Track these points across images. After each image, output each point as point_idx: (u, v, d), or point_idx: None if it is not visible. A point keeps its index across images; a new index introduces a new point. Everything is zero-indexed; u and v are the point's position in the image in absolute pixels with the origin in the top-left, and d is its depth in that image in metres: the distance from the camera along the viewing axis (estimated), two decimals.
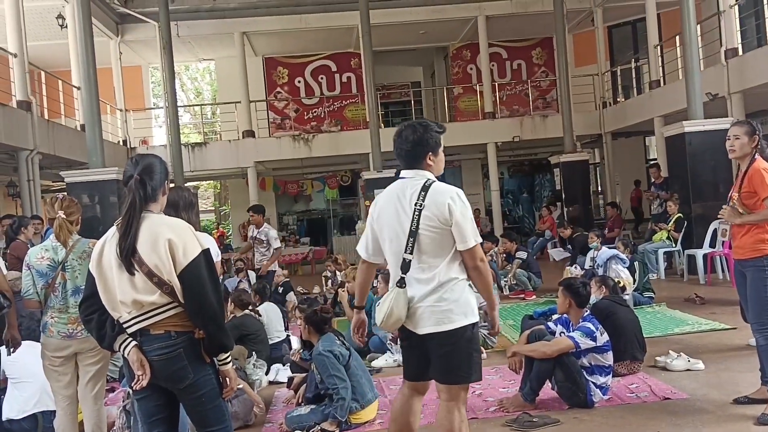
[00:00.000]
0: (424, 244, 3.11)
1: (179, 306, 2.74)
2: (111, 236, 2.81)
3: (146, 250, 2.71)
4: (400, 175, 3.28)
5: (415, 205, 3.11)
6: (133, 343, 2.75)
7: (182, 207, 3.66)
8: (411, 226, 3.10)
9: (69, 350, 3.85)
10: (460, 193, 3.16)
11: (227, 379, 2.87)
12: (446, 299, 3.10)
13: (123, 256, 2.71)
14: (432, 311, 3.11)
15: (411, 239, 3.10)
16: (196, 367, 2.77)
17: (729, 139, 4.40)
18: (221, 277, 10.90)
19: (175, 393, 2.85)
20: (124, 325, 2.77)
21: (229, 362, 2.87)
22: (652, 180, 12.92)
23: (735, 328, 6.53)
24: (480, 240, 3.15)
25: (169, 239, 2.71)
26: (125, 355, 2.77)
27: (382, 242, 3.29)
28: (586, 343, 4.67)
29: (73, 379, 3.91)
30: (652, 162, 15.24)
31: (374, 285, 6.82)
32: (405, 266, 3.14)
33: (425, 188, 3.13)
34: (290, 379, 5.71)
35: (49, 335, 3.82)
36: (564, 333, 4.88)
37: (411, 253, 3.12)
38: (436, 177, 3.26)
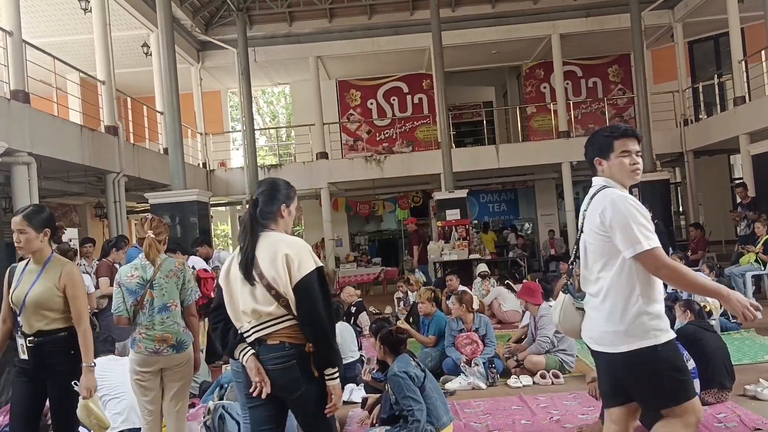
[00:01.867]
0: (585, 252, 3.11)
1: (294, 318, 2.91)
2: (238, 252, 3.04)
3: (266, 264, 2.91)
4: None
5: (584, 211, 3.07)
6: (252, 351, 2.94)
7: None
8: (579, 232, 3.15)
9: (156, 366, 3.98)
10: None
11: (332, 395, 2.95)
12: None
13: (243, 269, 2.94)
14: None
15: (575, 246, 3.19)
16: (308, 379, 2.92)
17: None
18: None
19: (287, 403, 3.01)
20: (245, 335, 2.98)
21: (336, 378, 2.96)
22: (738, 200, 12.37)
23: None
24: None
25: (287, 254, 2.91)
26: (244, 363, 2.95)
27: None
28: None
29: (158, 395, 4.04)
30: (737, 181, 14.59)
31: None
32: (569, 273, 3.21)
33: (592, 196, 3.07)
34: (364, 400, 5.71)
35: (137, 351, 3.97)
36: None
37: (575, 260, 3.16)
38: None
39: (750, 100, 14.08)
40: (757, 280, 10.60)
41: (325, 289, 2.94)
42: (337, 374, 2.97)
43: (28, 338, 3.60)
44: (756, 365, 6.28)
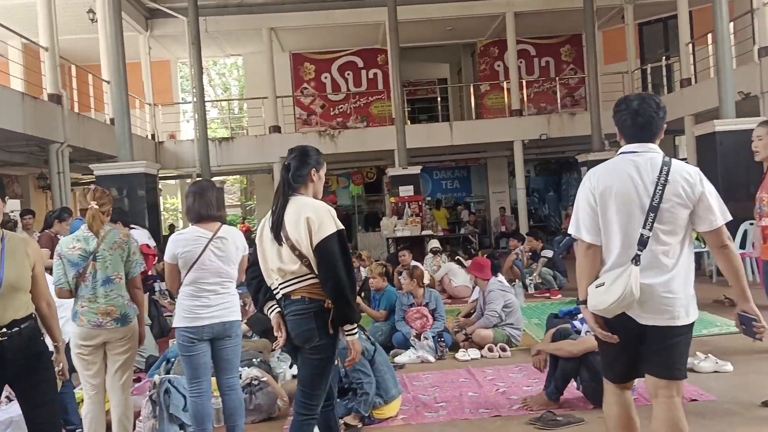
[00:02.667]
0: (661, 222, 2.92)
1: (316, 277, 3.14)
2: (270, 214, 3.30)
3: (291, 226, 3.16)
4: (627, 150, 3.05)
5: (657, 182, 2.91)
6: (278, 309, 3.25)
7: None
8: (653, 201, 2.90)
9: (98, 339, 3.89)
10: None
11: (351, 349, 3.19)
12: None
13: (273, 230, 3.21)
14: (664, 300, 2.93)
15: (650, 214, 2.90)
16: (323, 334, 3.13)
17: (753, 141, 4.34)
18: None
19: (299, 355, 3.25)
20: (274, 291, 3.27)
21: (355, 333, 3.18)
22: None
23: None
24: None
25: (308, 217, 3.12)
26: (270, 317, 3.29)
27: (606, 216, 2.98)
28: None
29: (101, 369, 3.96)
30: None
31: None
32: (642, 242, 2.90)
33: (666, 163, 2.95)
34: None
35: (80, 324, 3.87)
36: (590, 332, 4.83)
37: (650, 230, 2.90)
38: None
39: (696, 82, 14.45)
40: (698, 257, 10.96)
41: (344, 251, 3.13)
42: (355, 330, 3.19)
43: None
44: (694, 339, 6.49)
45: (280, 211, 3.21)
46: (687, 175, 2.92)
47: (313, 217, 3.11)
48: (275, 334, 3.26)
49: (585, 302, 3.03)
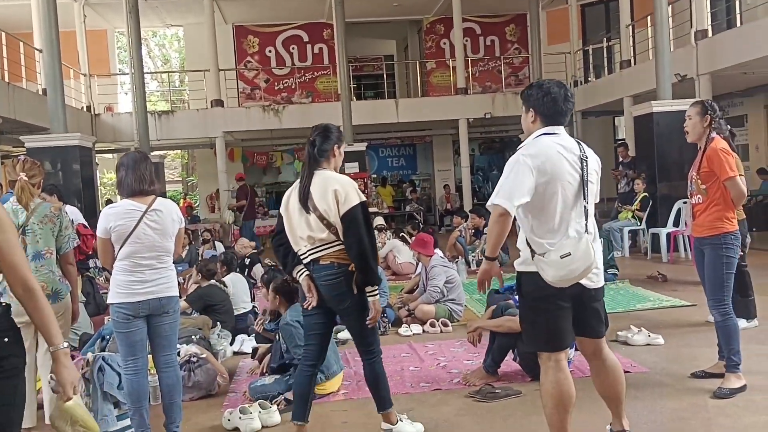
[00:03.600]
0: (591, 194, 3.20)
1: (342, 244, 3.50)
2: (295, 186, 3.61)
3: (318, 197, 3.50)
4: (551, 132, 3.20)
5: (582, 158, 3.16)
6: (306, 272, 3.59)
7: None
8: (583, 176, 3.14)
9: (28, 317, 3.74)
10: None
11: (372, 309, 3.56)
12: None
13: (301, 201, 3.53)
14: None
15: (585, 188, 3.15)
16: (353, 294, 3.54)
17: (685, 121, 4.48)
18: (186, 247, 10.80)
19: (337, 313, 3.69)
20: (302, 257, 3.59)
21: (376, 295, 3.56)
22: (620, 159, 13.05)
23: (695, 305, 6.64)
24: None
25: (336, 189, 3.48)
26: (300, 280, 3.62)
27: (547, 193, 3.09)
28: None
29: (32, 346, 3.81)
30: (620, 141, 15.38)
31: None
32: (586, 214, 3.16)
33: (578, 143, 3.25)
34: (254, 350, 5.67)
35: (10, 299, 3.71)
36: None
37: (587, 202, 3.17)
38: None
39: (635, 63, 14.77)
40: (633, 234, 11.29)
41: (367, 220, 3.51)
42: (376, 292, 3.57)
43: None
44: (628, 313, 6.72)
45: (306, 183, 3.54)
46: (592, 152, 3.27)
47: (340, 189, 3.48)
48: (306, 295, 3.57)
49: (494, 259, 3.26)
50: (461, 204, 17.32)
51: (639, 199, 10.70)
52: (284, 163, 20.40)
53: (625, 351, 5.31)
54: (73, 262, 4.03)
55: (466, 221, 11.15)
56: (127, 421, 4.16)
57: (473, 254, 10.35)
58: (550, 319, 3.16)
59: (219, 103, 16.74)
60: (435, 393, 4.66)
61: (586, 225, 3.14)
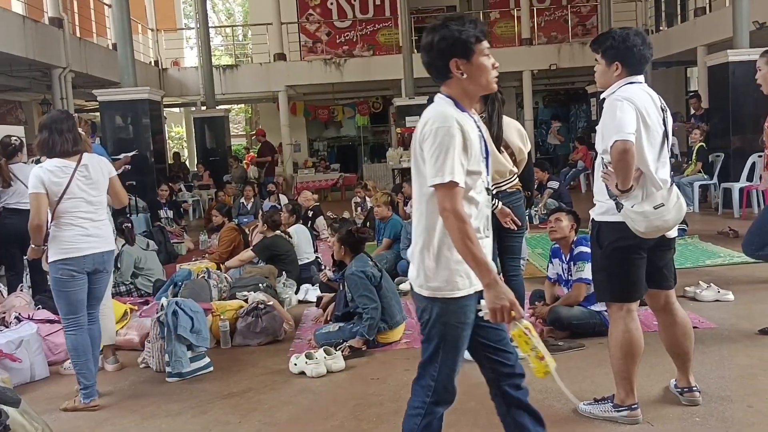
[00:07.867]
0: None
1: (518, 176, 4.23)
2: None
3: (510, 137, 4.17)
4: (636, 81, 3.12)
5: (662, 109, 3.16)
6: (501, 204, 4.06)
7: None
8: (665, 127, 3.14)
9: None
10: None
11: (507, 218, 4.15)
12: None
13: (495, 140, 3.97)
14: None
15: (667, 139, 3.15)
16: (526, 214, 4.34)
17: (757, 73, 4.28)
18: (251, 200, 11.04)
19: (507, 233, 4.19)
20: (493, 189, 3.48)
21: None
22: (692, 111, 12.54)
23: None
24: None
25: (523, 133, 4.32)
26: (495, 211, 3.93)
27: (641, 140, 3.03)
28: None
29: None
30: (692, 93, 14.74)
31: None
32: (670, 165, 3.19)
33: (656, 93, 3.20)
34: (319, 299, 5.82)
35: None
36: (563, 269, 4.84)
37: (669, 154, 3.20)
38: None
39: (710, 11, 14.04)
40: (704, 189, 10.91)
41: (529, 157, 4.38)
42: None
43: None
44: (697, 269, 6.56)
45: (498, 127, 4.06)
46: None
47: (524, 132, 4.34)
48: (504, 219, 4.07)
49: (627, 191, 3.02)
50: None
51: (696, 150, 10.35)
52: (345, 117, 20.44)
53: (693, 306, 5.20)
54: None
55: None
56: (200, 362, 4.38)
57: (536, 209, 10.22)
58: (629, 269, 3.13)
59: (281, 56, 16.83)
60: None
61: (672, 176, 3.16)
